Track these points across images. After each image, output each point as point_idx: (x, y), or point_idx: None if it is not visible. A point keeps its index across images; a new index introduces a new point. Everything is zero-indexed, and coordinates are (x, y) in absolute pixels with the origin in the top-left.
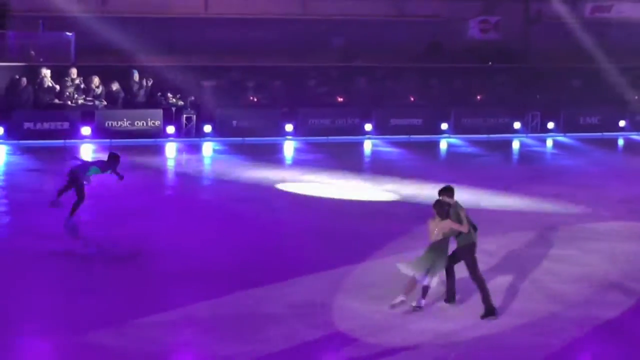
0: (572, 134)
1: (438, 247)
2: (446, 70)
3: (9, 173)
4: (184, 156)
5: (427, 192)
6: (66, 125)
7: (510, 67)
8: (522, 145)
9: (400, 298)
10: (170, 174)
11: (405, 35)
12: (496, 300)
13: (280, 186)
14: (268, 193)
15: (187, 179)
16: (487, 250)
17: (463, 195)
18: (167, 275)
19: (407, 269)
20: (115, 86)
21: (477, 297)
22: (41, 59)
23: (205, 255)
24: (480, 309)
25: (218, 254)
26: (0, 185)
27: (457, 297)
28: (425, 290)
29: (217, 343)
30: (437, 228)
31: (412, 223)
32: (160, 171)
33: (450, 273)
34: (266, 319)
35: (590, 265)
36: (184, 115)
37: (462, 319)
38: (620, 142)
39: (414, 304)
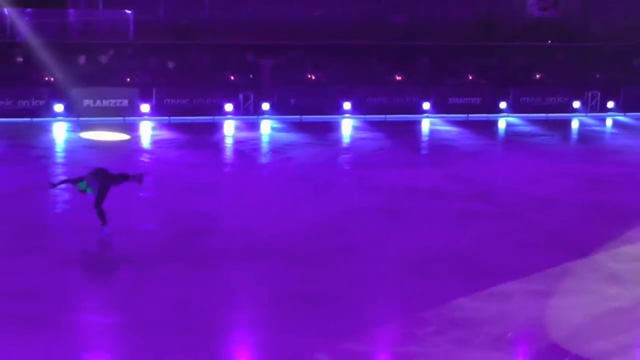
0: (633, 113)
1: None
2: (505, 48)
3: (69, 150)
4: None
5: (484, 172)
6: (125, 102)
7: (569, 45)
8: (581, 124)
9: None
10: (229, 152)
11: (465, 14)
12: (554, 280)
13: (339, 164)
14: (328, 171)
15: (246, 157)
16: (544, 229)
17: (521, 175)
18: (226, 253)
19: None
20: (172, 64)
21: (538, 276)
22: (100, 37)
23: (265, 233)
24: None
25: (277, 231)
26: (62, 162)
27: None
28: None
29: (275, 320)
30: None
31: (473, 202)
32: (220, 149)
33: None
34: (324, 297)
35: None
36: (242, 93)
37: (518, 299)
38: None
39: None
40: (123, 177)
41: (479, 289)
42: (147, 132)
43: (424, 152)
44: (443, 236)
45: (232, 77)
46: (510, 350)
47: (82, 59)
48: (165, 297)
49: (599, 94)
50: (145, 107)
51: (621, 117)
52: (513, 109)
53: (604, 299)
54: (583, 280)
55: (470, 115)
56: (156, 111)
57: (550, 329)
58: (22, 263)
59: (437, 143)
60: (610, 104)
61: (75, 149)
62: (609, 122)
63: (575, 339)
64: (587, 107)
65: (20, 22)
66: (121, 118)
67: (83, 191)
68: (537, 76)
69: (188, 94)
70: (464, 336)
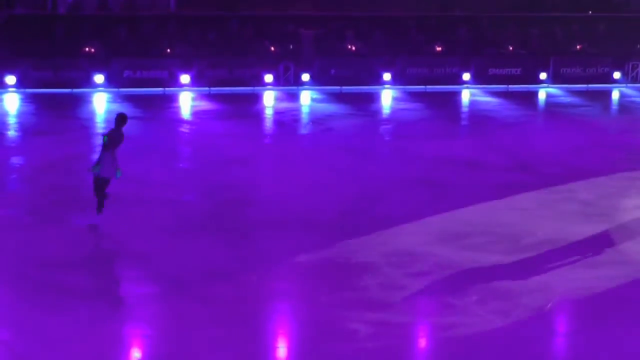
0: None
1: None
2: (545, 19)
3: (109, 120)
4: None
5: (524, 143)
6: (165, 73)
7: (610, 15)
8: (621, 95)
9: None
10: (269, 122)
11: None
12: (593, 251)
13: (380, 135)
14: (368, 142)
15: (286, 127)
16: (584, 200)
17: (561, 147)
18: (265, 223)
19: None
20: (213, 35)
21: (578, 247)
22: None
23: (305, 204)
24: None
25: (317, 202)
26: (101, 133)
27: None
28: None
29: (313, 291)
30: None
31: (513, 173)
32: (260, 119)
33: None
34: (363, 268)
35: None
36: (283, 64)
37: (558, 270)
38: None
39: None
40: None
41: (519, 260)
42: (187, 103)
43: (463, 123)
44: (483, 207)
45: (272, 48)
46: (550, 321)
47: (123, 31)
48: (203, 268)
49: (639, 64)
50: (185, 79)
51: None
52: (553, 79)
53: None
54: (623, 251)
55: (510, 86)
56: (196, 82)
57: (590, 300)
58: (61, 233)
59: (477, 114)
60: None
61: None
62: None
63: (615, 310)
64: (627, 78)
65: None
66: (161, 89)
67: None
68: (578, 47)
69: (228, 64)
70: (504, 307)
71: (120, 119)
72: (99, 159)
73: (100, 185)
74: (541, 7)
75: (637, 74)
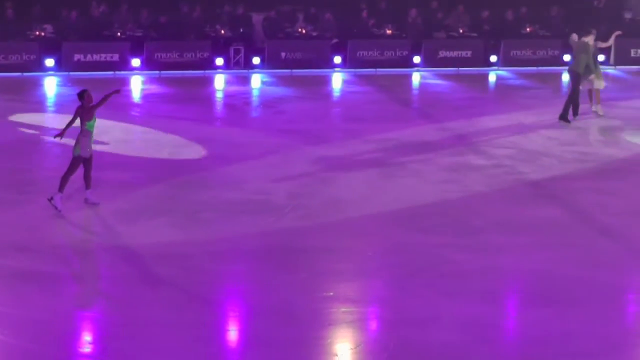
0: (623, 66)
1: None
2: (496, 2)
3: (59, 104)
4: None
5: (474, 125)
6: (116, 57)
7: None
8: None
9: None
10: (220, 106)
11: None
12: (543, 233)
13: (330, 117)
14: (318, 125)
15: (237, 111)
16: (534, 182)
17: (511, 128)
18: (216, 206)
19: None
20: (164, 18)
21: (528, 229)
22: None
23: (256, 187)
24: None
25: (268, 185)
26: (53, 116)
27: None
28: None
29: (266, 274)
30: None
31: (463, 155)
32: (210, 103)
33: None
34: (315, 250)
35: (638, 198)
36: (233, 48)
37: (508, 252)
38: None
39: None
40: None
41: (469, 242)
42: (138, 86)
43: (414, 105)
44: (433, 189)
45: (222, 32)
46: (499, 303)
47: (73, 14)
48: (154, 251)
49: None
50: (136, 62)
51: (612, 70)
52: (503, 62)
53: (593, 252)
54: (572, 234)
55: (460, 68)
56: (147, 65)
57: (540, 281)
58: (15, 217)
59: (427, 97)
60: (601, 57)
61: (66, 103)
62: None
63: (564, 291)
64: None
65: None
66: (112, 72)
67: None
68: (528, 29)
69: (179, 48)
70: (453, 289)
71: (80, 95)
72: (77, 140)
73: (75, 165)
74: None
75: None
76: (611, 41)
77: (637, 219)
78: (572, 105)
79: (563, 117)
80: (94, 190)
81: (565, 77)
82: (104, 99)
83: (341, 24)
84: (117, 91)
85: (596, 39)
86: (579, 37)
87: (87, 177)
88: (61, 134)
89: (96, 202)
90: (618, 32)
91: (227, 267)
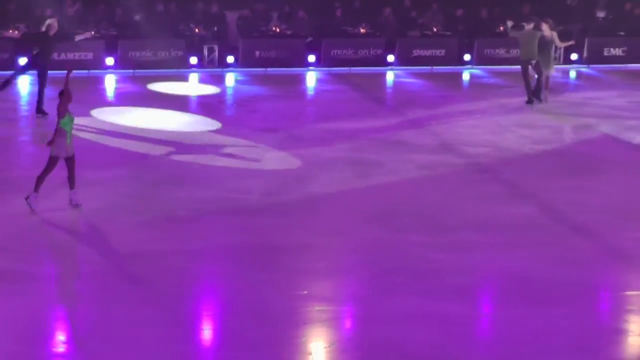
0: (596, 65)
1: None
2: (471, 0)
3: (31, 103)
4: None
5: (449, 123)
6: (90, 55)
7: None
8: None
9: None
10: (194, 105)
11: None
12: (518, 231)
13: (304, 116)
14: (292, 123)
15: (211, 109)
16: (508, 180)
17: (486, 127)
18: (191, 205)
19: None
20: (138, 16)
21: (503, 227)
22: None
23: (230, 185)
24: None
25: (242, 183)
26: (26, 115)
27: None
28: None
29: (241, 272)
30: None
31: (438, 154)
32: (184, 101)
33: None
34: (290, 248)
35: (612, 196)
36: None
37: (482, 251)
38: None
39: None
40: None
41: (444, 241)
42: (112, 85)
43: (388, 104)
44: (408, 188)
45: (196, 30)
46: (474, 302)
47: (48, 12)
48: (129, 249)
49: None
50: (110, 60)
51: (585, 69)
52: (477, 61)
53: (568, 250)
54: (547, 232)
55: (434, 67)
56: (121, 64)
57: (514, 281)
58: None
59: (402, 95)
60: (574, 56)
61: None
62: (572, 74)
63: (539, 290)
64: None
65: None
66: (86, 71)
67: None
68: (501, 28)
69: (153, 46)
70: (428, 287)
71: (59, 95)
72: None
73: (51, 165)
74: None
75: (560, 55)
76: (563, 45)
77: (611, 217)
78: (531, 91)
79: (529, 101)
80: (78, 191)
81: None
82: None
83: (315, 22)
84: (70, 71)
85: (552, 30)
86: (517, 26)
87: (70, 178)
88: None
89: (79, 204)
90: (571, 42)
91: (202, 265)
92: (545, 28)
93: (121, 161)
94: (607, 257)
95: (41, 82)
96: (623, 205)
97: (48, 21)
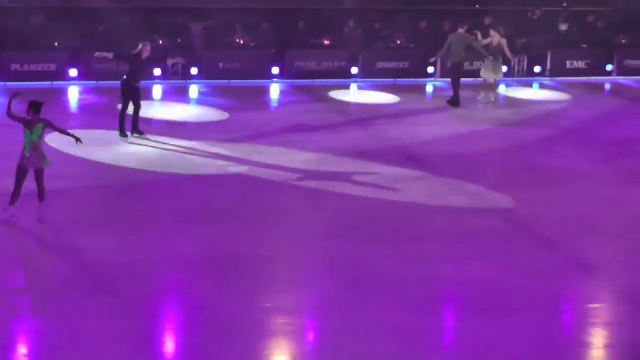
0: (559, 77)
1: None
2: (435, 12)
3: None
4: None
5: (413, 135)
6: (53, 67)
7: (498, 9)
8: (507, 88)
9: None
10: (157, 116)
11: None
12: (482, 243)
13: (268, 128)
14: (255, 135)
15: (175, 122)
16: (473, 192)
17: (450, 139)
18: (158, 217)
19: None
20: (102, 28)
21: (466, 239)
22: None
23: (196, 197)
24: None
25: (208, 194)
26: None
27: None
28: None
29: (208, 283)
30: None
31: (402, 165)
32: (147, 113)
33: None
34: (256, 260)
35: (575, 207)
36: (170, 59)
37: (448, 262)
38: (607, 86)
39: None
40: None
41: (409, 252)
42: (75, 97)
43: (352, 116)
44: (372, 199)
45: (160, 42)
46: (438, 313)
47: (12, 23)
48: (96, 262)
49: (525, 58)
50: (73, 72)
51: (547, 81)
52: (441, 73)
53: (531, 261)
54: (511, 244)
55: (398, 79)
56: (84, 76)
57: (478, 292)
58: None
59: (366, 107)
60: (537, 69)
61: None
62: (535, 86)
63: (504, 301)
64: (513, 72)
65: None
66: (49, 83)
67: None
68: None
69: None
70: (392, 299)
71: (30, 106)
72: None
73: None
74: (430, 0)
75: (522, 67)
76: (509, 54)
77: (574, 228)
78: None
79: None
80: (45, 205)
81: (502, 88)
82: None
83: (279, 34)
84: (16, 95)
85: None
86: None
87: (37, 190)
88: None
89: (42, 219)
90: (514, 60)
91: (166, 277)
92: (494, 35)
93: (86, 172)
94: (571, 269)
95: (136, 103)
96: (586, 217)
97: (141, 44)
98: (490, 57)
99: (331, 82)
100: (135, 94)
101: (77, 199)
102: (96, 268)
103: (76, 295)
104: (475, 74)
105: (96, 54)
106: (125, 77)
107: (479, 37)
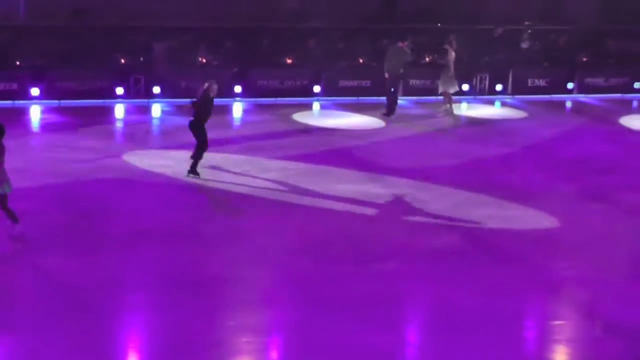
0: (520, 95)
1: None
2: (397, 31)
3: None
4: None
5: (375, 153)
6: (15, 85)
7: (460, 28)
8: (469, 106)
9: None
10: (120, 135)
11: None
12: (445, 262)
13: (228, 147)
14: (217, 154)
15: (138, 140)
16: (434, 211)
17: (412, 157)
18: (118, 236)
19: None
20: (64, 47)
21: (429, 258)
22: None
23: (157, 216)
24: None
25: (168, 214)
26: None
27: None
28: None
29: (171, 302)
30: None
31: (364, 184)
32: (110, 132)
33: None
34: (220, 278)
35: (536, 225)
36: (133, 77)
37: (409, 280)
38: (568, 104)
39: None
40: None
41: (372, 271)
42: (37, 116)
43: (314, 134)
44: (335, 218)
45: (122, 60)
46: (401, 331)
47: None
48: (54, 281)
49: (488, 76)
50: (35, 91)
51: (509, 99)
52: (403, 91)
53: (493, 279)
54: (473, 261)
55: (360, 97)
56: (47, 95)
57: (441, 310)
58: None
59: (328, 125)
60: (499, 87)
61: None
62: (497, 104)
63: (465, 320)
64: (476, 89)
65: None
66: (11, 102)
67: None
68: (427, 59)
69: (79, 77)
70: (356, 318)
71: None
72: None
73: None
74: (393, 19)
75: (485, 86)
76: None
77: (535, 245)
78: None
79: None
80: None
81: (464, 106)
82: None
83: (242, 53)
84: None
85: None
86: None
87: (6, 215)
88: None
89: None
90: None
91: (128, 296)
92: (448, 48)
93: (45, 192)
94: (533, 286)
95: (200, 145)
96: (547, 234)
97: (207, 83)
98: (449, 71)
99: (293, 100)
100: (205, 133)
101: (39, 220)
102: (58, 288)
103: (36, 316)
104: (426, 91)
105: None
106: (194, 118)
107: (451, 53)
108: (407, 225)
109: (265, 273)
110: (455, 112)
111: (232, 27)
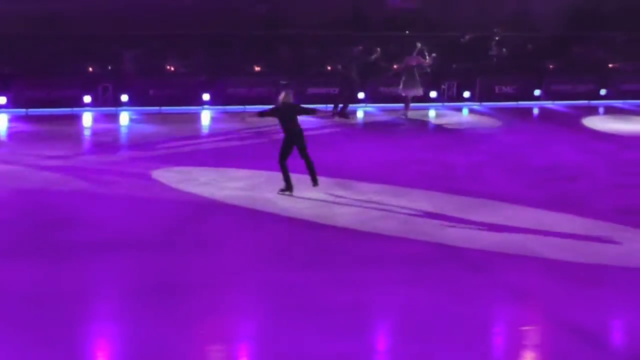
0: (487, 103)
1: None
2: (365, 38)
3: None
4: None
5: (343, 161)
6: None
7: (427, 35)
8: (437, 114)
9: None
10: (87, 143)
11: (329, 4)
12: (412, 268)
13: (199, 155)
14: (186, 162)
15: (104, 148)
16: (402, 218)
17: (379, 164)
18: (88, 245)
19: None
20: (31, 55)
21: (397, 264)
22: None
23: (127, 224)
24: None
25: (138, 223)
26: None
27: None
28: None
29: (136, 312)
30: None
31: (331, 191)
32: (78, 140)
33: None
34: (189, 287)
35: (504, 231)
36: (101, 85)
37: (376, 288)
38: (535, 111)
39: None
40: None
41: (338, 278)
42: (3, 124)
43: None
44: (303, 226)
45: (90, 69)
46: (368, 339)
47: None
48: (22, 292)
49: (455, 83)
50: (2, 100)
51: (477, 106)
52: (371, 99)
53: (462, 286)
54: (441, 269)
55: (329, 105)
56: (14, 103)
57: (408, 317)
58: None
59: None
60: (467, 94)
61: None
62: (465, 111)
63: (434, 327)
64: (444, 97)
65: None
66: None
67: None
68: (395, 67)
69: (46, 85)
70: (322, 326)
71: None
72: None
73: None
74: (362, 27)
75: (453, 93)
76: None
77: (503, 252)
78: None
79: (341, 114)
80: None
81: (432, 113)
82: None
83: (211, 61)
84: None
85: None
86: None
87: None
88: None
89: None
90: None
91: (96, 305)
92: (415, 53)
93: (10, 201)
94: (501, 292)
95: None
96: (515, 241)
97: (284, 92)
98: (413, 75)
99: (262, 107)
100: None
101: (2, 230)
102: (25, 298)
103: (4, 325)
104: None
105: (247, 119)
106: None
107: (427, 58)
108: (375, 233)
109: (234, 281)
110: (409, 115)
111: (200, 35)
